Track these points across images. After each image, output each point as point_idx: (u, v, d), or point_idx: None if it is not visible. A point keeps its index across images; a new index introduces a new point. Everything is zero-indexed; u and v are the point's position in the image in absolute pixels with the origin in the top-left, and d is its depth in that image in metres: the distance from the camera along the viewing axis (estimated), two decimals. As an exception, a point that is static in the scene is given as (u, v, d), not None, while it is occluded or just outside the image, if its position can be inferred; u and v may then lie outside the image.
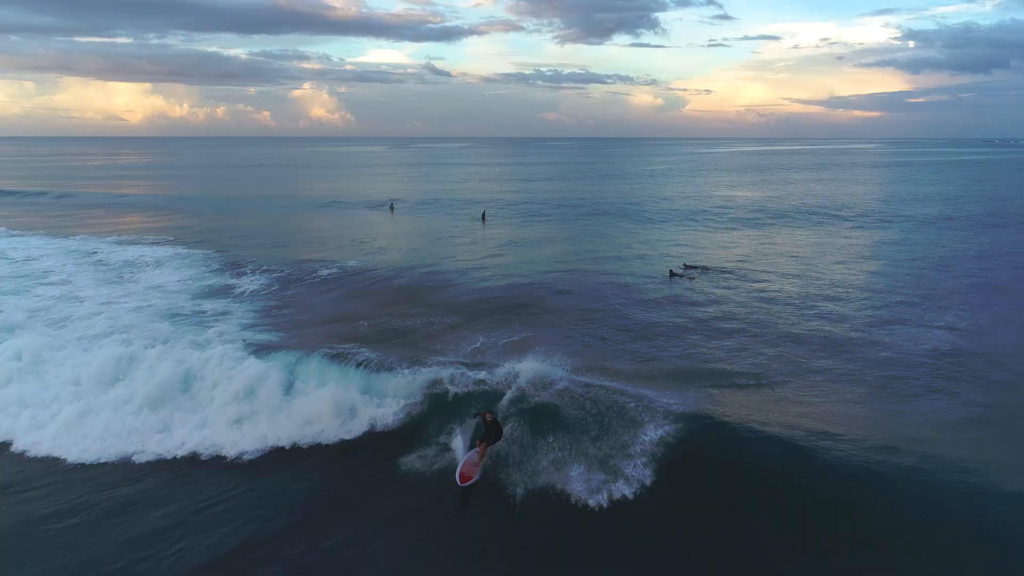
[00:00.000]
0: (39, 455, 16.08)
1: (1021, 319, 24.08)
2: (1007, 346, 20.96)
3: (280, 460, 15.63)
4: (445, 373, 17.41)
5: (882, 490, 12.69)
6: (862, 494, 12.54)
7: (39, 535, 13.11)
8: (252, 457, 15.58)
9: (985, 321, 23.69)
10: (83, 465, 15.52)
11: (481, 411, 15.22)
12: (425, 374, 17.47)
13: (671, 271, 30.85)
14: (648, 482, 13.06)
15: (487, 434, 14.79)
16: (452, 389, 16.87)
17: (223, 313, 25.60)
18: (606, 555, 11.78)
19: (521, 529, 12.58)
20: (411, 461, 14.98)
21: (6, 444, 16.74)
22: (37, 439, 16.49)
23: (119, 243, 40.65)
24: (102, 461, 15.62)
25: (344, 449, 15.78)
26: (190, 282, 30.62)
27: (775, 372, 18.69)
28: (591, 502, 12.72)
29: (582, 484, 13.11)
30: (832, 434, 14.77)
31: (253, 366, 18.14)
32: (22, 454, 16.18)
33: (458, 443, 14.93)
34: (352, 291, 28.67)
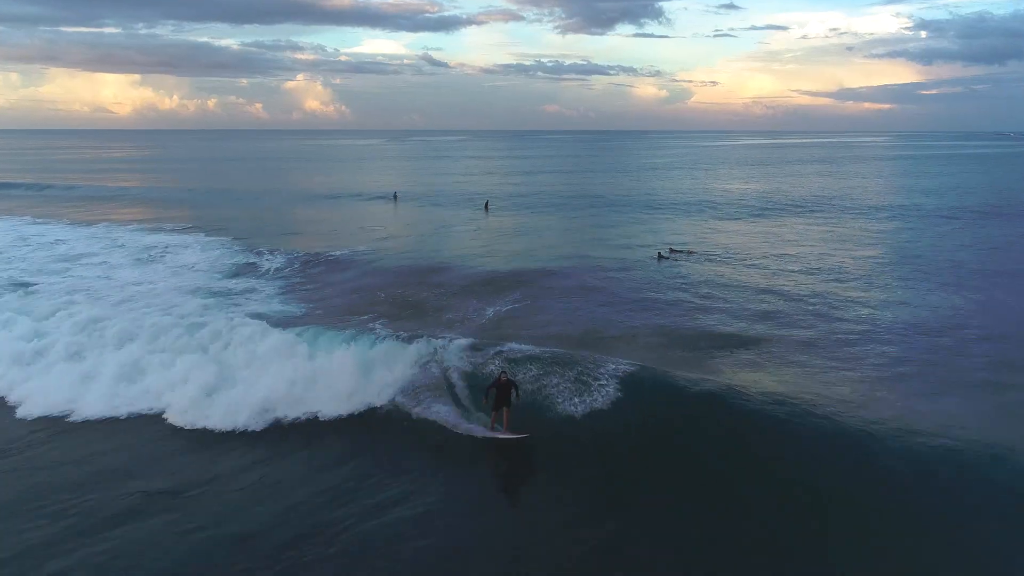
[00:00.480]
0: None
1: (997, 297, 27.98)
2: (981, 322, 24.56)
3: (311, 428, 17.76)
4: (462, 343, 19.96)
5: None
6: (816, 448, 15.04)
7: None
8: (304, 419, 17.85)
9: (968, 302, 26.92)
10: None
11: (500, 375, 16.80)
12: (438, 344, 19.83)
13: (659, 254, 34.97)
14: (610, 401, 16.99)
15: (502, 397, 16.40)
16: (469, 357, 19.34)
17: (251, 290, 29.68)
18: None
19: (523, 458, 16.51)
20: (437, 421, 17.14)
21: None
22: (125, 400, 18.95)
23: (140, 231, 44.75)
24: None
25: (367, 415, 17.78)
26: (216, 263, 34.67)
27: (740, 340, 22.67)
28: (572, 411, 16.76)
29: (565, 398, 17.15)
30: (784, 394, 18.84)
31: (284, 338, 20.57)
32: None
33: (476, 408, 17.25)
34: (366, 271, 32.72)
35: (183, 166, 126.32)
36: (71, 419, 18.19)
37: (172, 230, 44.85)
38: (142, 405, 18.48)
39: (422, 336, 20.41)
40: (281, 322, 23.28)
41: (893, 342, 21.93)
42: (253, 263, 34.59)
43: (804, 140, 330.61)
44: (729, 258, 35.03)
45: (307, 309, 26.52)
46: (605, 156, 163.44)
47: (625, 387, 17.34)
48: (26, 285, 30.11)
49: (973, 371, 19.50)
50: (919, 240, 40.96)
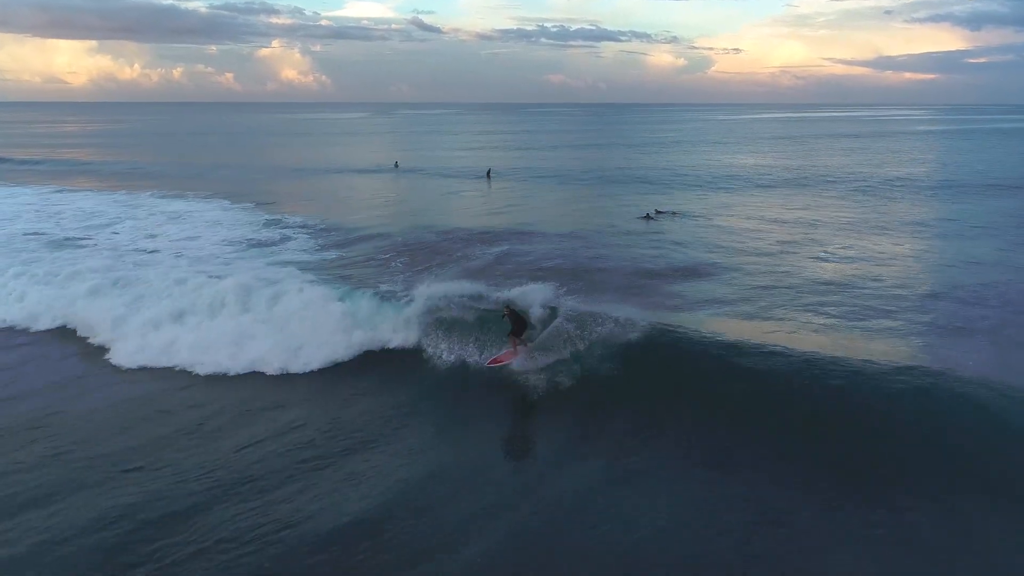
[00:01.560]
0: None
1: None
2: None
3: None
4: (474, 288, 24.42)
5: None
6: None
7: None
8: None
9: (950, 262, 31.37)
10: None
11: (505, 307, 19.74)
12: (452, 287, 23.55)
13: (647, 214, 42.82)
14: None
15: (513, 327, 19.27)
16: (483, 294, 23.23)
17: (286, 238, 37.57)
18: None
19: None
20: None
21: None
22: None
23: (160, 197, 52.67)
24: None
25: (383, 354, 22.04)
26: (246, 224, 42.44)
27: (691, 270, 30.44)
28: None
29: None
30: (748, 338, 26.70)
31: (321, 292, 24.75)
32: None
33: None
34: (381, 226, 40.50)
35: (160, 140, 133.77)
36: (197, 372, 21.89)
37: (193, 197, 52.66)
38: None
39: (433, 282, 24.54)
40: (323, 267, 31.17)
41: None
42: (278, 218, 42.68)
43: (836, 114, 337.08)
44: (713, 219, 42.82)
45: (338, 255, 34.18)
46: (610, 131, 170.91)
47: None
48: (75, 241, 37.79)
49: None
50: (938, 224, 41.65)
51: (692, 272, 29.72)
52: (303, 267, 30.35)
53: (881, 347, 20.49)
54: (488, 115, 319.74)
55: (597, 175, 68.04)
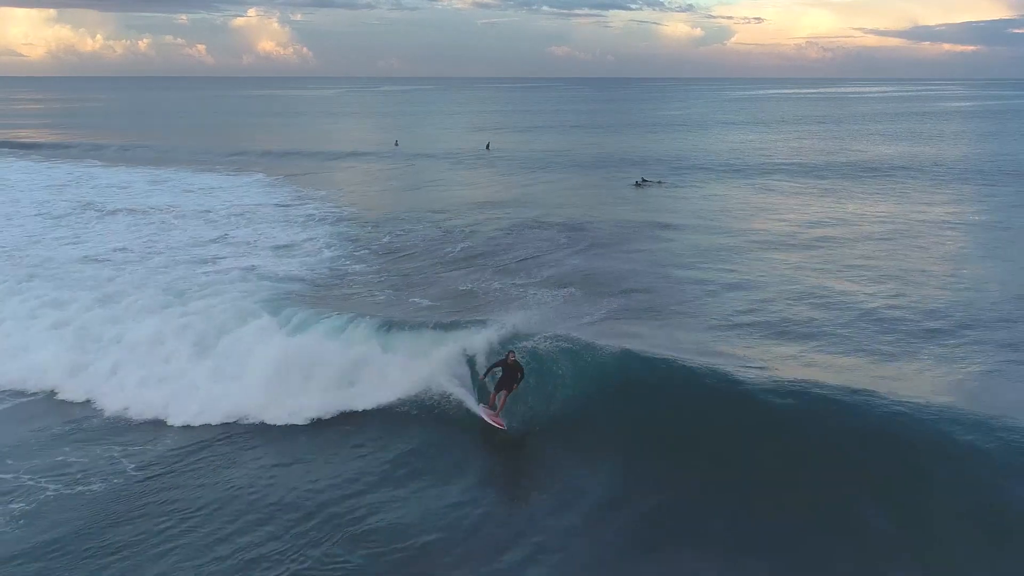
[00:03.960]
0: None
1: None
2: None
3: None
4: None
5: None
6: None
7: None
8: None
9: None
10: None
11: (509, 352, 19.11)
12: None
13: (637, 182, 52.27)
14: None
15: (507, 378, 18.75)
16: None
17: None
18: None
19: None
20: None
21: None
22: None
23: (191, 172, 61.89)
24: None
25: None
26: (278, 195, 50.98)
27: (661, 224, 39.24)
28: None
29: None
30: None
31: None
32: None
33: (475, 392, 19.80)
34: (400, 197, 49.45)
35: (136, 120, 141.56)
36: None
37: (216, 172, 61.70)
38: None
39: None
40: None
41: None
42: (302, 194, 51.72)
43: (867, 90, 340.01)
44: (698, 187, 51.96)
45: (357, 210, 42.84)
46: (615, 110, 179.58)
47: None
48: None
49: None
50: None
51: (657, 227, 38.75)
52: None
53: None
54: (486, 91, 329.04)
55: (605, 160, 76.60)
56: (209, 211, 44.70)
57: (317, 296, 27.44)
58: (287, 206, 46.19)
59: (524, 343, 20.62)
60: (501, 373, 18.88)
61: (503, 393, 18.80)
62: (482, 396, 19.67)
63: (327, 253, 34.26)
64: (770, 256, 32.52)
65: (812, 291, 27.15)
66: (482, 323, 22.10)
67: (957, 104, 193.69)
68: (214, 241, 37.00)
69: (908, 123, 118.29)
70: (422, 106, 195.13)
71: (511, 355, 18.97)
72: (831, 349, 21.81)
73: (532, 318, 22.67)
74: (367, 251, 34.76)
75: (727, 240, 35.46)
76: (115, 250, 35.13)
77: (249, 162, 68.22)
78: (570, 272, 29.69)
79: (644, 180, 53.19)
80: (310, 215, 43.18)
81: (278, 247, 35.63)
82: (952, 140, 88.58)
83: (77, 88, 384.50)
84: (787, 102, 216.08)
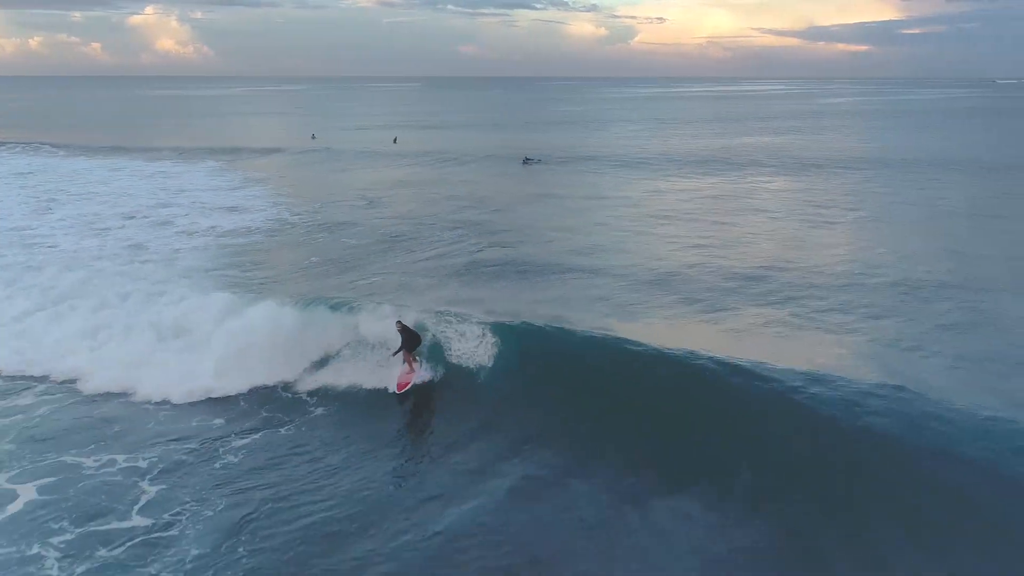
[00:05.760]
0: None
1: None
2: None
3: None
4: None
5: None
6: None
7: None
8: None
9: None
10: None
11: (397, 322, 20.86)
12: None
13: (524, 160, 62.98)
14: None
15: (405, 341, 20.58)
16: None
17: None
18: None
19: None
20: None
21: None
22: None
23: (144, 160, 69.65)
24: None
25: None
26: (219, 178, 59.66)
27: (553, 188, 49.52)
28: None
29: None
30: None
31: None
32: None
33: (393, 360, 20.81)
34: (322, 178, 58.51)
35: (50, 119, 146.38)
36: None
37: (168, 158, 69.92)
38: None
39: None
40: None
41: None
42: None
43: (761, 88, 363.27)
44: (576, 164, 62.63)
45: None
46: (511, 108, 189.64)
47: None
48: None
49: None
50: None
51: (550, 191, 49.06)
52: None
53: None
54: (391, 91, 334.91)
55: (470, 150, 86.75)
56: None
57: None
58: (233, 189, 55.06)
59: (408, 314, 22.32)
60: (403, 337, 20.79)
61: (403, 353, 20.74)
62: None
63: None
64: (614, 219, 41.95)
65: (656, 256, 32.22)
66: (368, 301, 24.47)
67: (835, 101, 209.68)
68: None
69: (788, 120, 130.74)
70: (332, 104, 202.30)
71: (398, 323, 20.91)
72: (674, 309, 25.57)
73: (419, 290, 27.15)
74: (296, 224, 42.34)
75: (591, 204, 45.81)
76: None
77: (174, 155, 74.91)
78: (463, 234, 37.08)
79: (528, 159, 63.93)
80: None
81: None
82: (796, 133, 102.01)
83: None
84: (681, 100, 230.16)
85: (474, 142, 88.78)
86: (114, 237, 38.59)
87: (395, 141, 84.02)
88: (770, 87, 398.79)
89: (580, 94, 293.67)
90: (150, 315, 24.80)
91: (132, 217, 43.50)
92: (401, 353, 20.63)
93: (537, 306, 24.78)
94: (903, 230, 37.68)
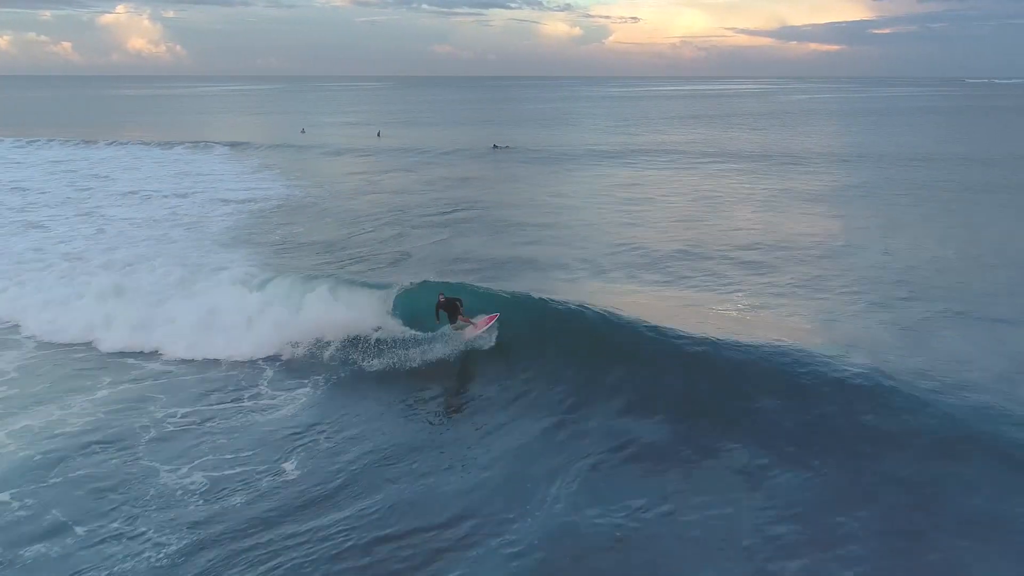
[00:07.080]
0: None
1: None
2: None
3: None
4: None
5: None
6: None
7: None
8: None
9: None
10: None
11: (440, 294, 22.77)
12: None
13: (493, 146, 73.17)
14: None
15: (451, 310, 22.43)
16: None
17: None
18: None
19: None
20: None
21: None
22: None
23: (148, 147, 79.10)
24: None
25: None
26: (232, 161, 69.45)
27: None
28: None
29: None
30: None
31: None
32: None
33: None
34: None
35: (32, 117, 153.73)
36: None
37: (179, 146, 79.61)
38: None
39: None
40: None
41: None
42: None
43: (733, 87, 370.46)
44: (541, 152, 72.93)
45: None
46: (485, 106, 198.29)
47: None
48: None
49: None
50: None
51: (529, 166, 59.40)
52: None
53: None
54: (368, 90, 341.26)
55: (447, 143, 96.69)
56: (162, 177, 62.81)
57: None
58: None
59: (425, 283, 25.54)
60: (446, 312, 22.44)
61: (458, 319, 22.46)
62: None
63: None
64: (577, 206, 53.00)
65: (614, 237, 36.67)
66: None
67: (803, 97, 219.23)
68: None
69: (752, 119, 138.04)
70: (311, 103, 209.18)
71: (441, 296, 22.65)
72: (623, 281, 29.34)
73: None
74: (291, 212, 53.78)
75: (549, 179, 56.10)
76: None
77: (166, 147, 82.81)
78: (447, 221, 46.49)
79: (496, 145, 74.38)
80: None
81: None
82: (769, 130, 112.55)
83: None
84: (654, 99, 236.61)
85: (449, 135, 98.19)
86: (164, 207, 47.30)
87: (379, 135, 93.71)
88: (742, 86, 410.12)
89: (553, 92, 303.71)
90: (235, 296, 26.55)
91: (184, 195, 51.37)
92: (458, 320, 22.54)
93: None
94: (874, 216, 41.33)
